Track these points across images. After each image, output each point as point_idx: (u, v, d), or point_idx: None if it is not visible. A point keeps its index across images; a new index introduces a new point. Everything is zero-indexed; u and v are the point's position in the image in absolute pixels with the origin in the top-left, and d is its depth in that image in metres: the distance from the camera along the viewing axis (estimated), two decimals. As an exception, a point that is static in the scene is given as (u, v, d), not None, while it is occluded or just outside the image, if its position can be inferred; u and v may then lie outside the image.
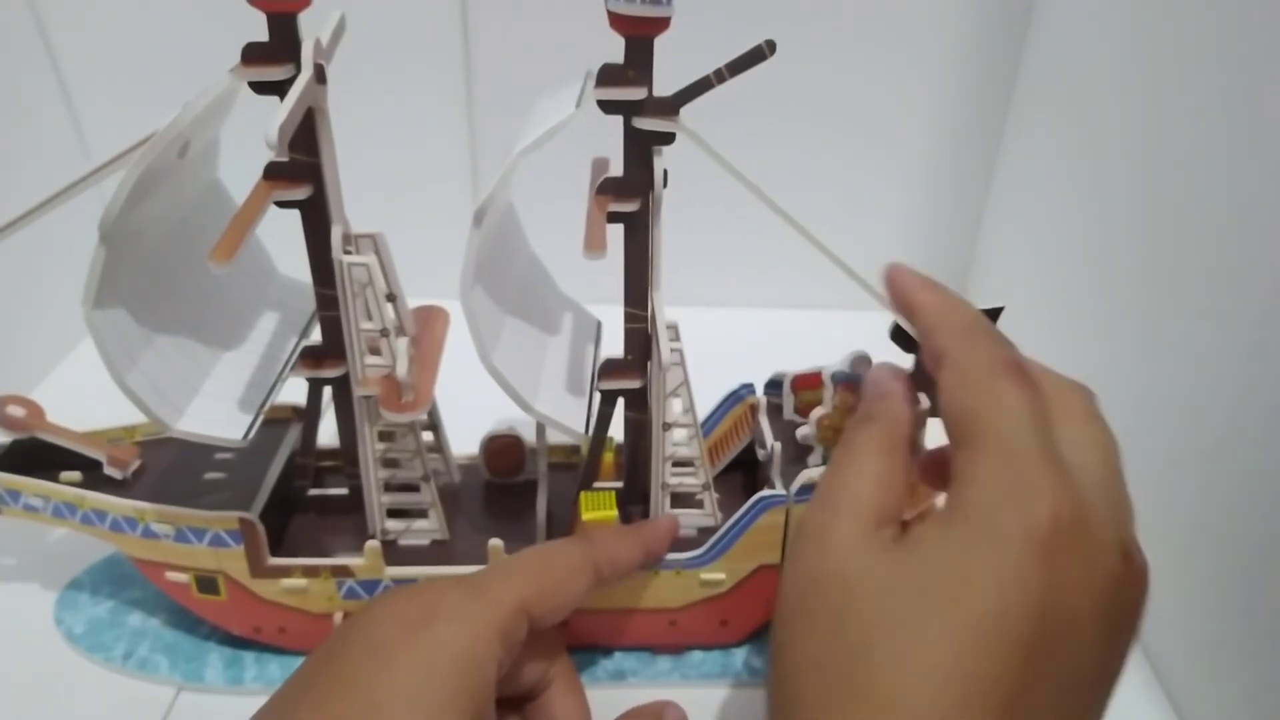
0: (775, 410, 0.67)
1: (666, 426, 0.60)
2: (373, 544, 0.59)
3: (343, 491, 0.65)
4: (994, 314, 0.60)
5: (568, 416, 0.57)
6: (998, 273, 1.01)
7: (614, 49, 0.52)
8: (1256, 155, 0.57)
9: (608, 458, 0.66)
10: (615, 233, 0.56)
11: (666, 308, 0.59)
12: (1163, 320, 0.67)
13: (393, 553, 0.62)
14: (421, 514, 0.63)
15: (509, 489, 0.68)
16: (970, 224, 1.05)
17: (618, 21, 0.51)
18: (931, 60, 0.95)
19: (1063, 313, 0.83)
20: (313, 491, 0.66)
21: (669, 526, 0.60)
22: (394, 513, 0.63)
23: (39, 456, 0.63)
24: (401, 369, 0.55)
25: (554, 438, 0.66)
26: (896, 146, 1.00)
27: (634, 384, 0.60)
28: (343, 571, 0.59)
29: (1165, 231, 0.67)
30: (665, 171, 0.56)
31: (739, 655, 0.65)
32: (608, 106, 0.53)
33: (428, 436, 0.65)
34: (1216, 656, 0.60)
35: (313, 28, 0.52)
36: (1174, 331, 0.65)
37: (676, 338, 0.61)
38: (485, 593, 0.46)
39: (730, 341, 0.79)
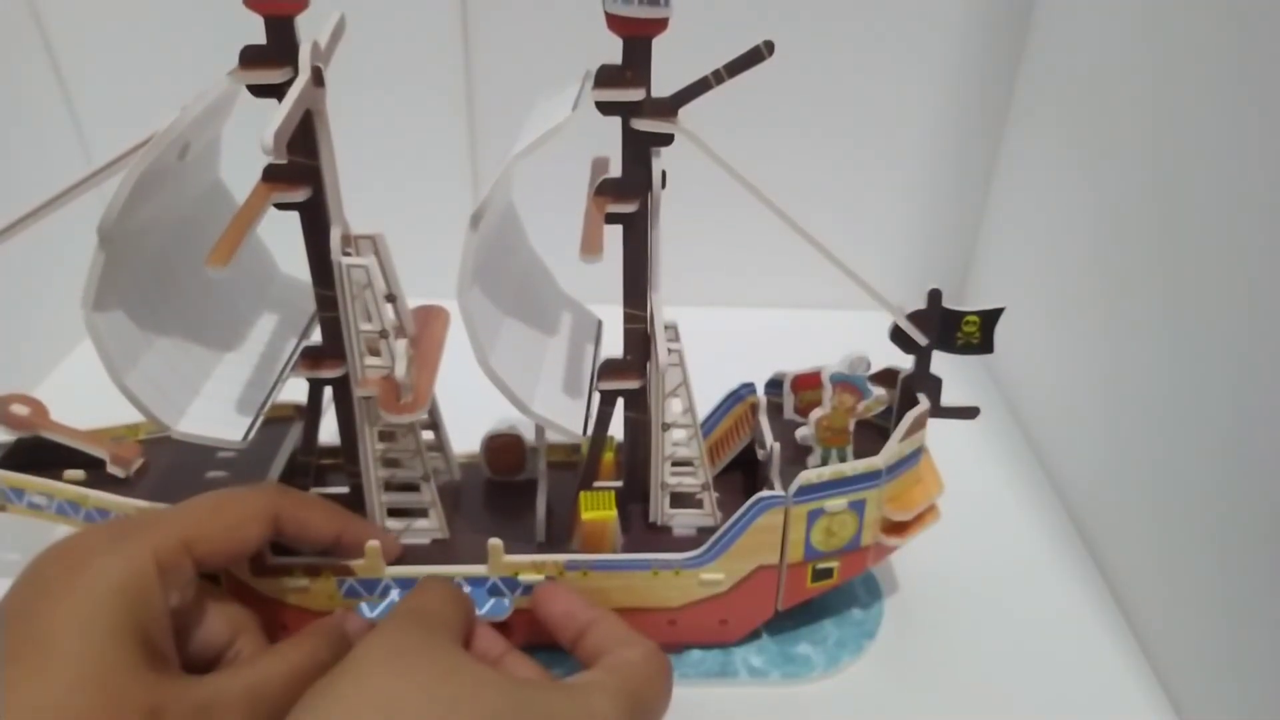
0: (775, 410, 0.67)
1: (666, 427, 0.60)
2: (373, 543, 0.59)
3: (343, 490, 0.65)
4: (994, 315, 0.60)
5: (565, 417, 0.57)
6: (998, 271, 1.01)
7: (614, 50, 0.52)
8: (1258, 148, 0.57)
9: (608, 457, 0.66)
10: (614, 233, 0.56)
11: (666, 308, 0.59)
12: (1164, 318, 0.67)
13: None
14: (422, 513, 0.63)
15: (510, 487, 0.68)
16: (971, 222, 1.05)
17: (615, 23, 0.51)
18: (933, 59, 0.95)
19: (1063, 311, 0.83)
20: (314, 490, 0.67)
21: (380, 537, 0.59)
22: (394, 511, 0.63)
23: (42, 455, 0.63)
24: (400, 370, 0.55)
25: (555, 437, 0.66)
26: (898, 146, 1.00)
27: (633, 384, 0.60)
28: (344, 570, 0.59)
29: (1166, 228, 0.67)
30: (664, 172, 0.56)
31: (738, 654, 0.65)
32: (606, 108, 0.53)
33: (428, 435, 0.66)
34: (1216, 656, 0.60)
35: (310, 29, 0.52)
36: (1175, 330, 0.65)
37: (676, 338, 0.61)
38: (141, 530, 0.48)
39: (730, 341, 0.79)
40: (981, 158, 1.00)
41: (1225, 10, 0.61)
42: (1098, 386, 0.77)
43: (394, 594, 0.59)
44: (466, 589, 0.58)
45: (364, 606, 0.57)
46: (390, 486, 0.62)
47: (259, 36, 0.50)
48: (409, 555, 0.62)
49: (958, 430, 0.65)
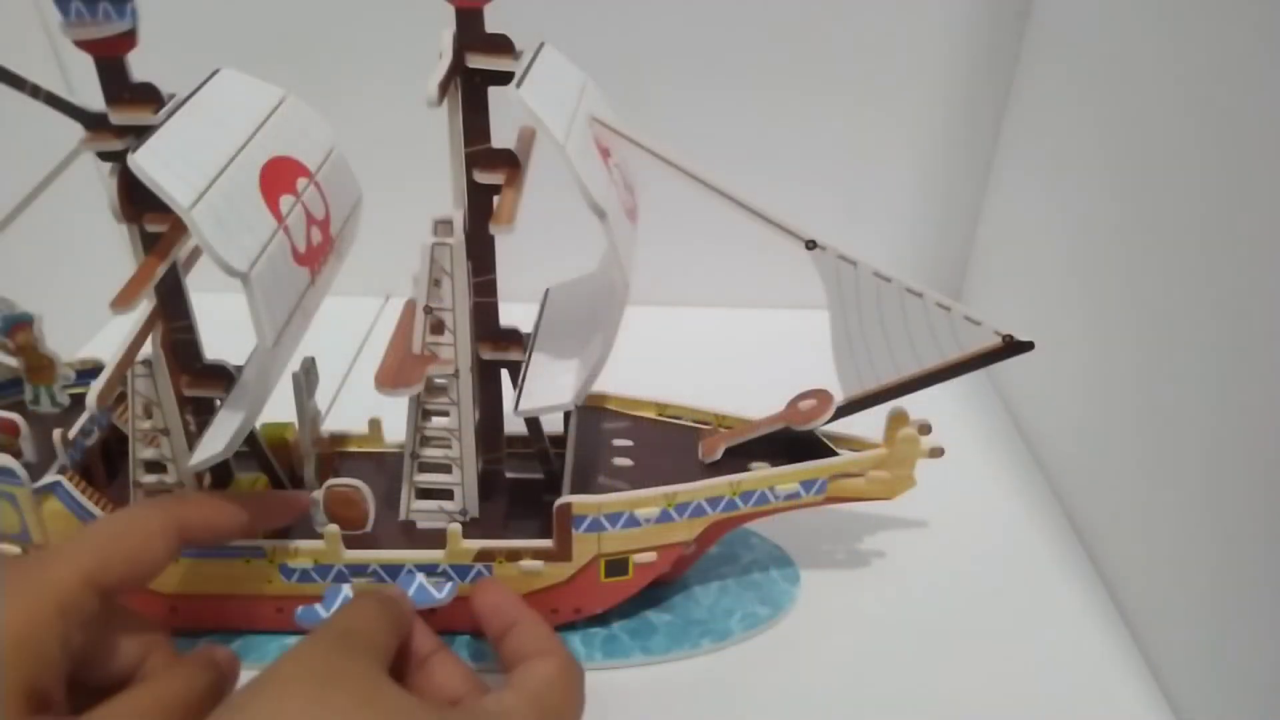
0: None
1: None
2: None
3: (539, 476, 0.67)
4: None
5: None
6: (996, 270, 1.00)
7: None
8: (1248, 157, 0.57)
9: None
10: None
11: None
12: (1161, 318, 0.67)
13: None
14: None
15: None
16: (968, 218, 1.04)
17: None
18: (929, 58, 0.95)
19: (1058, 302, 0.83)
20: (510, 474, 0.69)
21: (289, 502, 0.61)
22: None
23: None
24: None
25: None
26: (896, 137, 1.00)
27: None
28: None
29: (1166, 226, 0.66)
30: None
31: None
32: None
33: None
34: (1215, 656, 0.60)
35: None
36: (1170, 329, 0.65)
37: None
38: (42, 571, 0.46)
39: (728, 342, 0.79)
40: (980, 153, 1.00)
41: (1219, 15, 0.61)
42: (1093, 386, 0.77)
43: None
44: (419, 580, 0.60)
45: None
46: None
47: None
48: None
49: (956, 425, 0.65)
